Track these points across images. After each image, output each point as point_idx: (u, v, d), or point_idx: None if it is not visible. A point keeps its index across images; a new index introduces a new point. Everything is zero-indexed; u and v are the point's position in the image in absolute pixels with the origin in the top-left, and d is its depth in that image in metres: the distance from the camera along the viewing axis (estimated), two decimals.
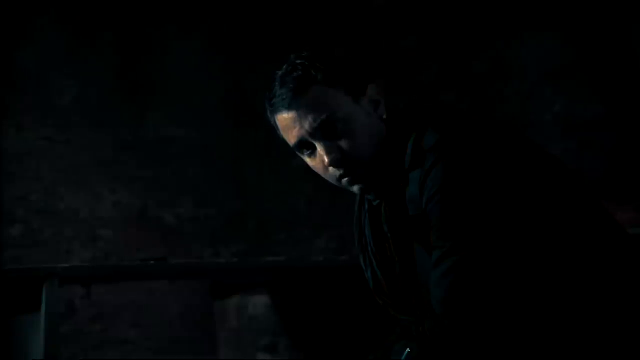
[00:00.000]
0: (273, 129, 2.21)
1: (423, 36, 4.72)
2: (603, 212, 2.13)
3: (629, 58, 4.76)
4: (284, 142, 2.21)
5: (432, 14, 4.74)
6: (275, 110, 2.16)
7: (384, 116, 2.19)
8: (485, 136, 2.08)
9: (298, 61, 2.15)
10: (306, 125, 2.13)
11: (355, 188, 2.19)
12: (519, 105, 4.72)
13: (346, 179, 2.16)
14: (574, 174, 2.14)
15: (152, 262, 4.44)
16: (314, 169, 2.20)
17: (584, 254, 2.06)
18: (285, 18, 4.64)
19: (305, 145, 2.16)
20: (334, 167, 2.14)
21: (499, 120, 2.19)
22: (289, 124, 2.15)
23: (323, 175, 2.19)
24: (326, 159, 2.13)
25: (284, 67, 2.16)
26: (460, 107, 4.45)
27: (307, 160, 2.19)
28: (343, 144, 2.13)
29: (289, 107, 2.14)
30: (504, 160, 2.05)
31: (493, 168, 2.03)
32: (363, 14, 4.70)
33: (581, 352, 2.02)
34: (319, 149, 2.14)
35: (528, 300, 2.02)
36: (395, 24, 4.71)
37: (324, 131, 2.13)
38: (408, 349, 2.03)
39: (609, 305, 2.03)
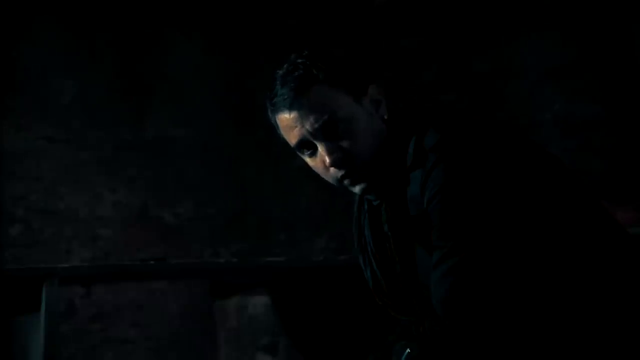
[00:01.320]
0: (273, 129, 2.21)
1: (423, 36, 4.72)
2: (603, 212, 2.13)
3: (629, 58, 4.76)
4: (284, 142, 2.20)
5: (433, 13, 4.74)
6: (276, 110, 2.15)
7: (385, 116, 2.18)
8: (486, 136, 2.08)
9: (299, 60, 2.14)
10: (307, 126, 2.12)
11: (356, 189, 2.18)
12: (519, 105, 4.71)
13: (347, 179, 2.16)
14: (574, 174, 2.14)
15: (152, 262, 4.44)
16: (314, 169, 2.19)
17: (584, 254, 2.06)
18: (285, 18, 4.64)
19: (306, 145, 2.15)
20: (335, 167, 2.13)
21: (499, 120, 2.19)
22: (290, 124, 2.14)
23: (323, 176, 2.18)
24: (328, 160, 2.12)
25: (285, 66, 2.15)
26: (460, 107, 4.46)
27: (308, 160, 2.18)
28: (345, 144, 2.12)
29: (290, 108, 2.13)
30: (505, 160, 2.05)
31: (494, 168, 2.03)
32: (363, 13, 4.70)
33: (582, 352, 2.01)
34: (321, 149, 2.13)
35: (529, 300, 2.02)
36: (396, 23, 4.71)
37: (326, 132, 2.12)
38: (408, 350, 2.03)
39: (610, 305, 2.03)
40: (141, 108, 4.52)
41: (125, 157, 4.48)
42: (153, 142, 4.51)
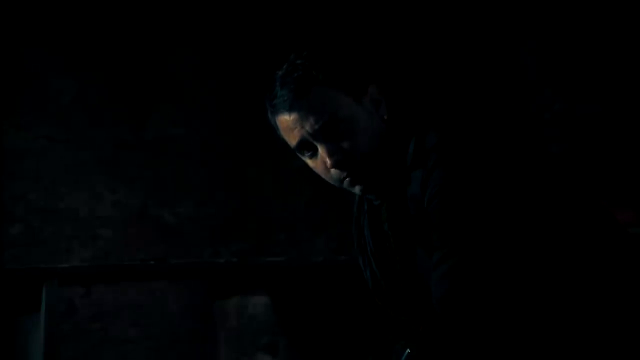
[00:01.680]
0: (273, 129, 2.21)
1: (423, 36, 4.72)
2: (604, 212, 2.13)
3: (629, 58, 4.76)
4: (284, 143, 2.20)
5: (433, 14, 4.74)
6: (276, 112, 2.15)
7: (386, 116, 2.19)
8: (487, 136, 2.08)
9: (299, 61, 2.14)
10: (308, 127, 2.12)
11: (357, 189, 2.18)
12: (519, 105, 4.71)
13: (349, 180, 2.16)
14: (575, 173, 2.14)
15: (152, 262, 4.44)
16: (315, 170, 2.19)
17: (585, 254, 2.06)
18: (285, 17, 4.64)
19: (306, 146, 2.15)
20: (336, 168, 2.13)
21: (502, 115, 2.18)
22: (290, 125, 2.14)
23: (324, 177, 2.18)
24: (329, 161, 2.12)
25: (285, 67, 2.15)
26: (460, 103, 4.45)
27: (308, 161, 2.18)
28: (345, 145, 2.12)
29: (290, 109, 2.13)
30: (505, 160, 2.05)
31: (495, 168, 2.03)
32: (363, 13, 4.69)
33: (582, 352, 2.01)
34: (321, 150, 2.13)
35: (529, 301, 2.02)
36: (396, 23, 4.71)
37: (326, 133, 2.12)
38: (408, 350, 2.03)
39: (610, 305, 2.03)
40: (141, 108, 4.52)
41: (125, 157, 4.48)
42: (153, 142, 4.51)
